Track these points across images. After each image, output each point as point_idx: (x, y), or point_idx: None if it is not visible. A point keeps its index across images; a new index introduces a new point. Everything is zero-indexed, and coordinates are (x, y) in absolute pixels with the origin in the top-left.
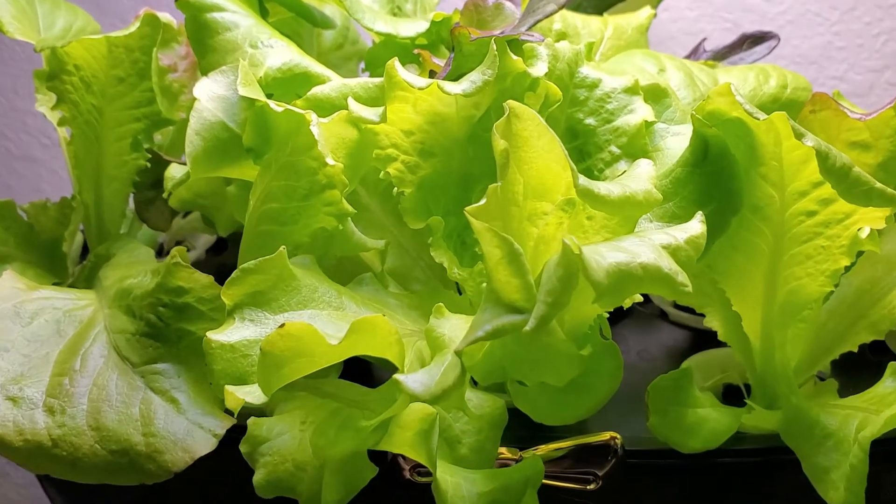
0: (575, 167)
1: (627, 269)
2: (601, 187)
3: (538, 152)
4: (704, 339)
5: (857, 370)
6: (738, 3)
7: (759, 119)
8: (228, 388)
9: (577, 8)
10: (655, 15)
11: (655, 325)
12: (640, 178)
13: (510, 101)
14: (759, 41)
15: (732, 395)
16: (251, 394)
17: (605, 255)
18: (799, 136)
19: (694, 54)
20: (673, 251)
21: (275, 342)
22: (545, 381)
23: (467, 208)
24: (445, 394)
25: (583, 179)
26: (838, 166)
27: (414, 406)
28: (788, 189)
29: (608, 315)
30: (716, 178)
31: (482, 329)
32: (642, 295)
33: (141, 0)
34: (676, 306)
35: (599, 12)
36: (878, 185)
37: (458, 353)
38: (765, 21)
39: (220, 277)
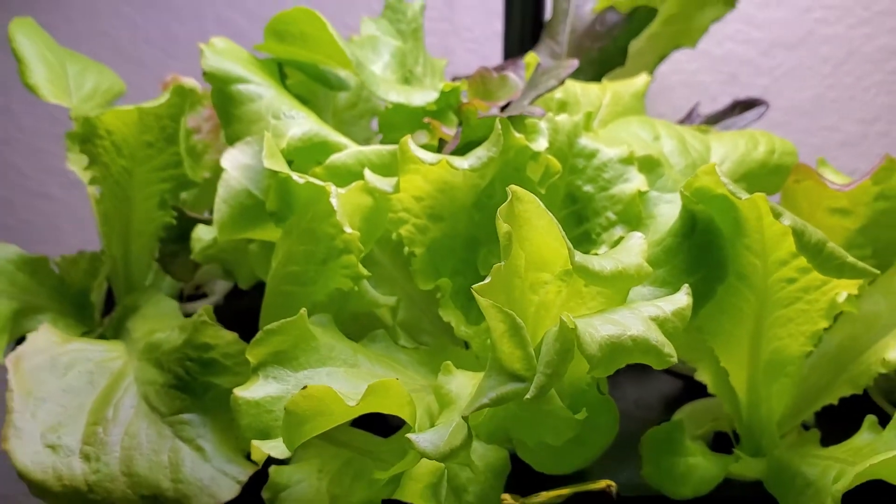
0: (572, 246)
1: (619, 341)
2: (595, 263)
3: (538, 231)
4: (698, 388)
5: (841, 420)
6: (736, 57)
7: (741, 199)
8: (255, 442)
9: (577, 74)
10: (652, 80)
11: (652, 374)
12: (632, 251)
13: (512, 186)
14: (749, 107)
15: (723, 441)
16: (276, 448)
17: (599, 328)
18: (777, 216)
19: (688, 118)
20: (661, 323)
21: (298, 402)
22: (544, 441)
23: (474, 287)
24: (454, 453)
25: (579, 256)
26: (813, 242)
27: (424, 460)
28: (770, 258)
29: None
30: (704, 249)
31: (486, 396)
32: None
33: (160, 48)
34: None
35: (598, 78)
36: (850, 259)
37: (464, 418)
38: (760, 74)
39: (239, 323)
